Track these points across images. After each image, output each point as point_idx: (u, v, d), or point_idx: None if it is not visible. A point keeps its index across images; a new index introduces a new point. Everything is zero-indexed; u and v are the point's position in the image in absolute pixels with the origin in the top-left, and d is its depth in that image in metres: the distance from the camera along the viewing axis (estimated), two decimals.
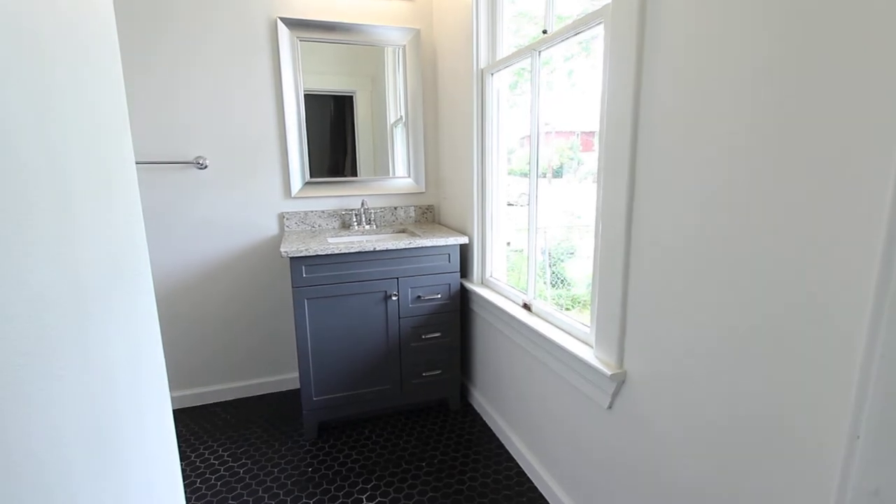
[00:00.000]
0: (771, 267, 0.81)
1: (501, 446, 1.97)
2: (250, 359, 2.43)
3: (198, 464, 1.90)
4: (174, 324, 2.26)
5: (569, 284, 1.73)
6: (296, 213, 2.35)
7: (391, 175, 2.51)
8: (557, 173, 1.72)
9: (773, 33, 0.78)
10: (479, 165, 2.05)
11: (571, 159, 1.71)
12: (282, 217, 2.34)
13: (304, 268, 1.89)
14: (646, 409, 1.16)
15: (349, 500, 1.67)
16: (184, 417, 2.23)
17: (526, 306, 1.76)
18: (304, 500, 1.68)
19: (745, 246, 0.86)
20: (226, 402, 2.38)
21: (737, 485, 0.92)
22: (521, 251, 1.99)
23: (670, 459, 1.09)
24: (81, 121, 0.60)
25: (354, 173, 2.45)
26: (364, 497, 1.69)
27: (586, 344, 1.40)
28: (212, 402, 2.37)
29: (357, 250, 1.92)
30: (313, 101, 2.32)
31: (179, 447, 1.99)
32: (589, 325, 1.40)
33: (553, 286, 1.72)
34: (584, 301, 1.62)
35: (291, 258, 1.87)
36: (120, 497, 0.72)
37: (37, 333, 0.49)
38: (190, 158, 2.15)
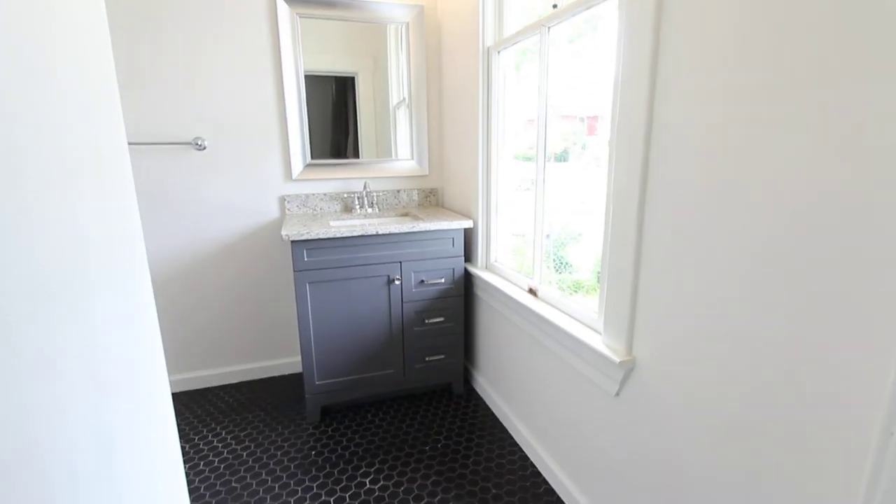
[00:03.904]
0: (785, 263, 0.78)
1: (505, 431, 1.96)
2: (252, 342, 2.42)
3: (200, 446, 1.89)
4: (172, 307, 2.24)
5: (572, 269, 1.71)
6: (297, 195, 2.31)
7: (394, 157, 2.46)
8: (560, 158, 1.70)
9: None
10: (485, 148, 2.00)
11: (575, 143, 1.68)
12: (283, 200, 2.30)
13: (305, 251, 1.86)
14: (655, 396, 1.13)
15: (352, 484, 1.67)
16: (185, 400, 2.23)
17: (532, 291, 1.74)
18: (307, 483, 1.68)
19: (760, 239, 0.82)
20: (228, 385, 2.38)
21: (756, 472, 0.90)
22: (524, 236, 1.96)
23: (680, 446, 1.07)
24: (69, 99, 0.57)
25: (357, 155, 2.40)
26: (367, 480, 1.69)
27: (594, 330, 1.38)
28: (213, 385, 2.37)
29: (359, 234, 1.89)
30: (314, 82, 2.26)
31: (181, 429, 1.99)
32: (597, 310, 1.37)
33: (556, 271, 1.71)
34: (588, 286, 1.61)
35: (293, 241, 1.84)
36: (114, 479, 0.70)
37: (38, 320, 0.47)
38: (188, 139, 2.10)
